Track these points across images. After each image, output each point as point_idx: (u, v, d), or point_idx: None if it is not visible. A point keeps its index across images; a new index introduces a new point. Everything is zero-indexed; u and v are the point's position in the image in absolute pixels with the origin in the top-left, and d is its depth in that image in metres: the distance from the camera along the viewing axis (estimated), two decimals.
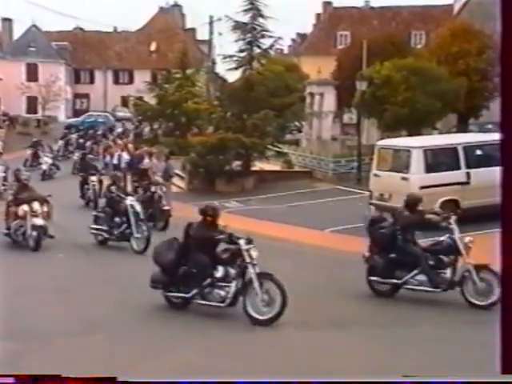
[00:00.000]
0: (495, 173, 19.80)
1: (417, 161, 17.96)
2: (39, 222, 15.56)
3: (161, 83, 37.98)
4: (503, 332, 5.92)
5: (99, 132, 44.65)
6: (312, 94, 35.41)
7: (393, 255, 11.31)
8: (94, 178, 23.24)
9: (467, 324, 10.08)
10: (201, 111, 31.47)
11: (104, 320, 10.23)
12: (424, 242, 11.65)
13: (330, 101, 35.13)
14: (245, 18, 27.32)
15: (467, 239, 11.04)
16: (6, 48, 65.49)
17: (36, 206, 15.66)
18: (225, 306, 10.16)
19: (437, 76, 27.82)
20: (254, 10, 27.25)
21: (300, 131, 36.17)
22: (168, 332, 9.75)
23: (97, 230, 16.35)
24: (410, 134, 26.35)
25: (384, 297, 11.47)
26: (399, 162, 18.72)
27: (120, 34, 69.97)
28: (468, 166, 18.05)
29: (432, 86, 26.96)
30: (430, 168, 18.06)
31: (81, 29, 70.29)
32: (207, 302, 10.29)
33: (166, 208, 18.42)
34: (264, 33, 27.63)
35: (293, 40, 69.60)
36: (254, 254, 10.00)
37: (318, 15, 65.35)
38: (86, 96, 68.99)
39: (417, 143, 18.88)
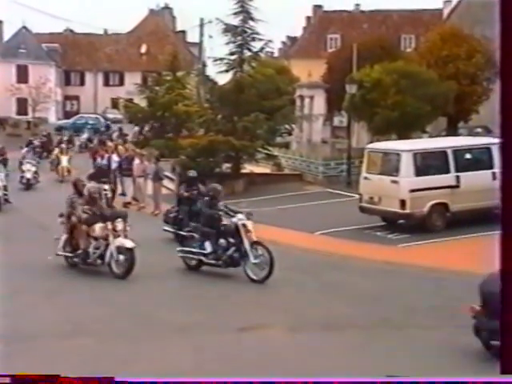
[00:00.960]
0: (484, 176, 20.01)
1: (406, 164, 18.02)
2: (129, 243, 13.06)
3: (151, 85, 37.88)
4: (503, 332, 5.95)
5: (84, 135, 43.76)
6: (302, 97, 35.45)
7: None
8: (106, 187, 20.84)
9: None
10: (191, 113, 31.41)
11: None
12: None
13: (320, 104, 35.18)
14: (235, 21, 27.35)
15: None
16: None
17: (120, 224, 13.36)
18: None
19: (427, 80, 27.90)
20: (245, 12, 27.26)
21: (290, 134, 36.19)
22: None
23: (188, 252, 13.91)
24: (400, 138, 26.42)
25: None
26: (389, 166, 18.77)
27: (110, 37, 69.91)
28: (457, 170, 18.12)
29: (422, 90, 27.04)
30: (420, 171, 18.12)
31: (71, 31, 70.22)
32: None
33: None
34: (254, 36, 27.64)
35: (283, 43, 69.70)
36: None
37: (309, 18, 65.51)
38: (76, 98, 68.91)
39: (406, 146, 18.94)
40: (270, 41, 28.62)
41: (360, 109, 28.07)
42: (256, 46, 28.00)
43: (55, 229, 14.58)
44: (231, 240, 13.23)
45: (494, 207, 14.02)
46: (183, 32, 68.68)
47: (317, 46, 59.45)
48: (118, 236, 13.18)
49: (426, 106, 27.05)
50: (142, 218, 20.18)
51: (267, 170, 30.20)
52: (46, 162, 33.56)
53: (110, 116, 58.27)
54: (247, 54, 27.96)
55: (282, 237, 17.46)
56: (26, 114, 60.49)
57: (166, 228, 17.26)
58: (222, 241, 13.31)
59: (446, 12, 50.31)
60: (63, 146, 33.69)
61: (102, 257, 13.30)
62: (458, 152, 18.46)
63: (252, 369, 8.21)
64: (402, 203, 17.68)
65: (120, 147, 30.03)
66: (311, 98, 34.97)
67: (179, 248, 14.10)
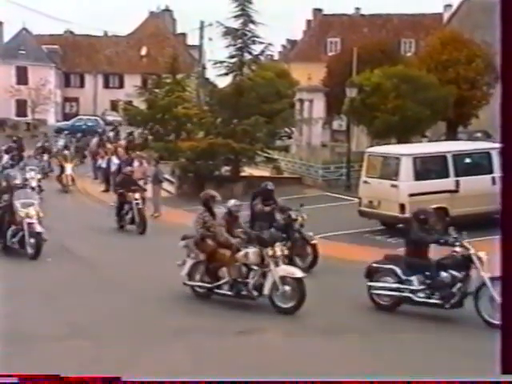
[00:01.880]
0: (484, 181, 20.01)
1: (406, 168, 18.02)
2: (298, 272, 11.35)
3: (151, 88, 37.92)
4: (503, 332, 5.95)
5: (60, 142, 38.78)
6: (302, 101, 35.46)
7: None
8: (137, 196, 19.39)
9: None
10: (191, 116, 31.44)
11: None
12: None
13: (319, 107, 35.20)
14: (236, 24, 27.34)
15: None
16: None
17: (279, 249, 11.35)
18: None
19: (427, 84, 27.92)
20: (245, 16, 27.27)
21: (290, 137, 36.20)
22: None
23: (385, 289, 11.35)
24: (400, 142, 26.43)
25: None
26: (388, 170, 18.77)
27: (110, 39, 69.95)
28: (457, 174, 18.12)
29: (422, 94, 27.06)
30: (419, 176, 18.12)
31: (71, 32, 70.24)
32: None
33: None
34: (254, 39, 27.64)
35: (283, 46, 69.76)
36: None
37: (309, 22, 65.56)
38: (76, 100, 68.93)
39: (406, 151, 18.95)
40: (270, 44, 28.65)
41: (360, 113, 28.08)
42: (256, 49, 28.03)
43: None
44: (456, 274, 10.80)
45: (494, 212, 14.03)
46: (183, 34, 68.74)
47: (317, 49, 59.51)
48: (279, 263, 11.21)
49: (426, 111, 27.07)
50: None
51: (266, 173, 30.14)
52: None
53: (110, 118, 58.30)
54: (247, 57, 27.97)
55: None
56: (25, 115, 60.54)
57: None
58: (444, 274, 10.84)
59: (446, 16, 50.39)
60: (66, 152, 31.94)
61: (257, 287, 11.33)
62: (458, 156, 18.47)
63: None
64: (402, 207, 17.67)
65: (120, 149, 30.10)
66: (311, 101, 34.99)
67: (370, 283, 11.42)
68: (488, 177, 17.78)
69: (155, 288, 12.40)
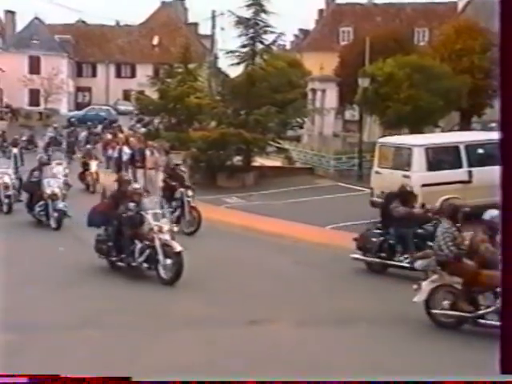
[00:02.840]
0: (497, 172, 19.84)
1: (418, 159, 17.90)
2: None
3: (163, 77, 37.86)
4: (503, 332, 5.87)
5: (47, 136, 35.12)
6: (314, 90, 35.34)
7: None
8: (190, 193, 17.77)
9: None
10: (203, 106, 31.35)
11: None
12: None
13: (331, 97, 35.08)
14: (247, 14, 27.26)
15: None
16: (8, 40, 65.45)
17: None
18: None
19: (440, 74, 27.72)
20: (257, 5, 27.16)
21: (301, 127, 36.10)
22: None
23: None
24: (412, 132, 26.28)
25: None
26: (401, 160, 18.65)
27: (122, 28, 69.96)
28: (470, 165, 17.98)
29: (435, 84, 26.87)
30: (432, 166, 17.98)
31: (83, 22, 70.28)
32: None
33: None
34: (267, 28, 27.54)
35: (295, 36, 69.46)
36: None
37: (321, 11, 65.23)
38: (88, 89, 68.97)
39: (419, 141, 18.82)
40: (282, 33, 28.57)
41: (372, 103, 27.95)
42: (268, 38, 27.96)
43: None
44: None
45: None
46: (195, 24, 68.55)
47: (329, 38, 59.18)
48: None
49: (439, 101, 26.90)
50: None
51: (278, 164, 30.12)
52: None
53: (122, 108, 58.34)
54: (259, 46, 27.88)
55: (293, 231, 17.41)
56: (38, 105, 60.64)
57: (357, 256, 13.42)
58: None
59: (460, 5, 49.96)
60: (89, 146, 30.38)
61: None
62: (471, 147, 18.31)
63: None
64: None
65: (131, 139, 30.03)
66: (323, 91, 34.87)
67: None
68: (499, 168, 17.60)
69: None
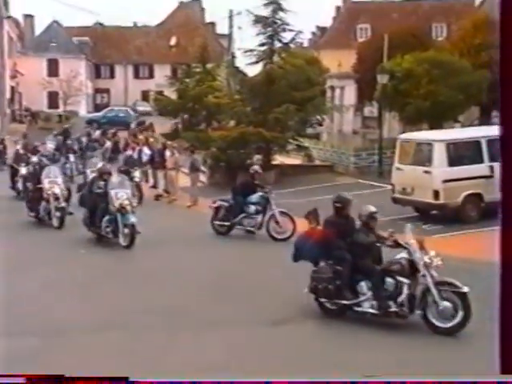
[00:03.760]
0: None
1: (439, 154, 17.83)
2: None
3: (181, 77, 38.01)
4: (503, 332, 5.84)
5: (50, 145, 29.98)
6: (332, 88, 35.31)
7: None
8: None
9: None
10: (221, 105, 31.44)
11: None
12: None
13: (350, 94, 35.08)
14: (265, 12, 27.32)
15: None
16: (27, 44, 66.00)
17: None
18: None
19: (459, 69, 27.61)
20: (274, 3, 27.21)
21: (321, 125, 36.05)
22: None
23: None
24: (432, 127, 26.18)
25: None
26: (421, 156, 18.57)
27: (140, 29, 70.29)
28: (492, 160, 17.83)
29: (454, 79, 26.77)
30: (453, 161, 17.90)
31: (101, 24, 70.63)
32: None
33: None
34: (284, 26, 27.60)
35: (313, 33, 69.39)
36: None
37: (338, 8, 65.10)
38: (107, 91, 69.34)
39: (439, 136, 18.75)
40: (300, 31, 28.60)
41: (391, 99, 27.90)
42: (286, 36, 27.99)
43: None
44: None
45: None
46: (212, 24, 68.73)
47: (347, 36, 59.04)
48: None
49: (459, 96, 26.80)
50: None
51: (298, 162, 30.13)
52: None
53: (141, 108, 58.57)
54: (277, 45, 27.92)
55: None
56: (57, 107, 61.05)
57: None
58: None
59: (477, 1, 49.63)
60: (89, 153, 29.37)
61: None
62: (492, 141, 18.16)
63: None
64: (436, 194, 17.51)
65: (151, 140, 30.14)
66: (342, 88, 34.85)
67: None
68: (500, 164, 17.46)
69: None
